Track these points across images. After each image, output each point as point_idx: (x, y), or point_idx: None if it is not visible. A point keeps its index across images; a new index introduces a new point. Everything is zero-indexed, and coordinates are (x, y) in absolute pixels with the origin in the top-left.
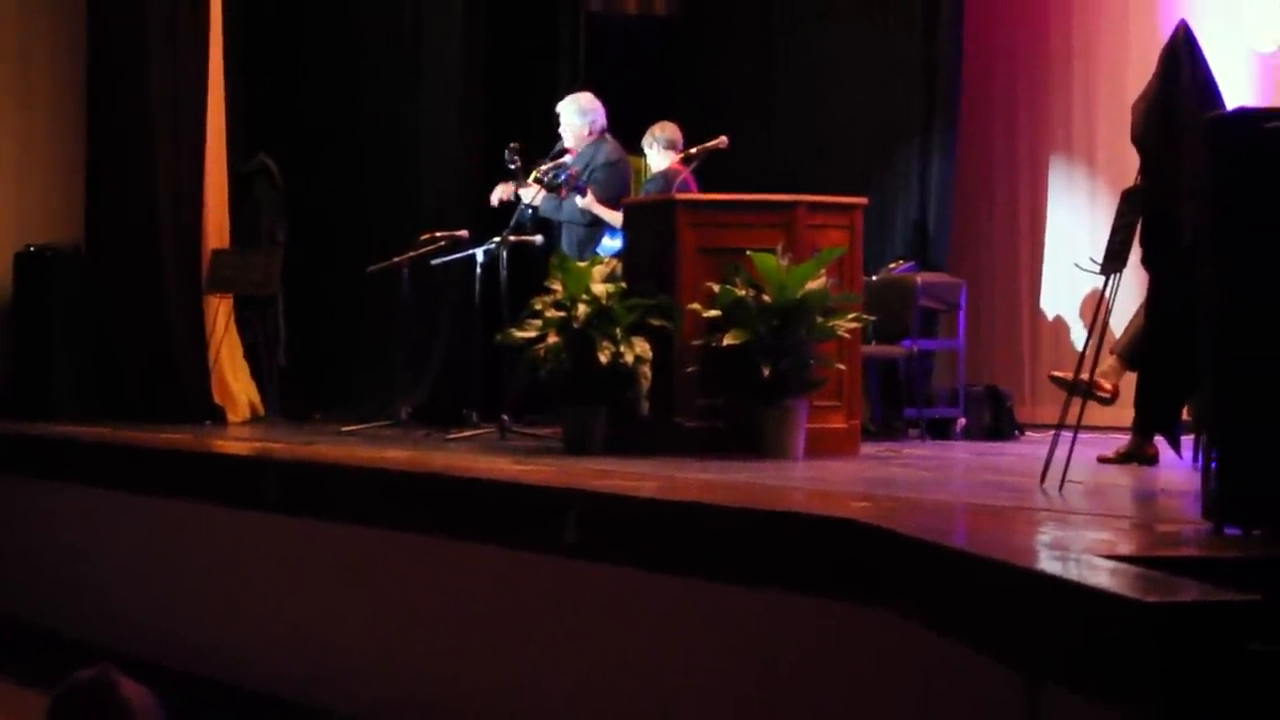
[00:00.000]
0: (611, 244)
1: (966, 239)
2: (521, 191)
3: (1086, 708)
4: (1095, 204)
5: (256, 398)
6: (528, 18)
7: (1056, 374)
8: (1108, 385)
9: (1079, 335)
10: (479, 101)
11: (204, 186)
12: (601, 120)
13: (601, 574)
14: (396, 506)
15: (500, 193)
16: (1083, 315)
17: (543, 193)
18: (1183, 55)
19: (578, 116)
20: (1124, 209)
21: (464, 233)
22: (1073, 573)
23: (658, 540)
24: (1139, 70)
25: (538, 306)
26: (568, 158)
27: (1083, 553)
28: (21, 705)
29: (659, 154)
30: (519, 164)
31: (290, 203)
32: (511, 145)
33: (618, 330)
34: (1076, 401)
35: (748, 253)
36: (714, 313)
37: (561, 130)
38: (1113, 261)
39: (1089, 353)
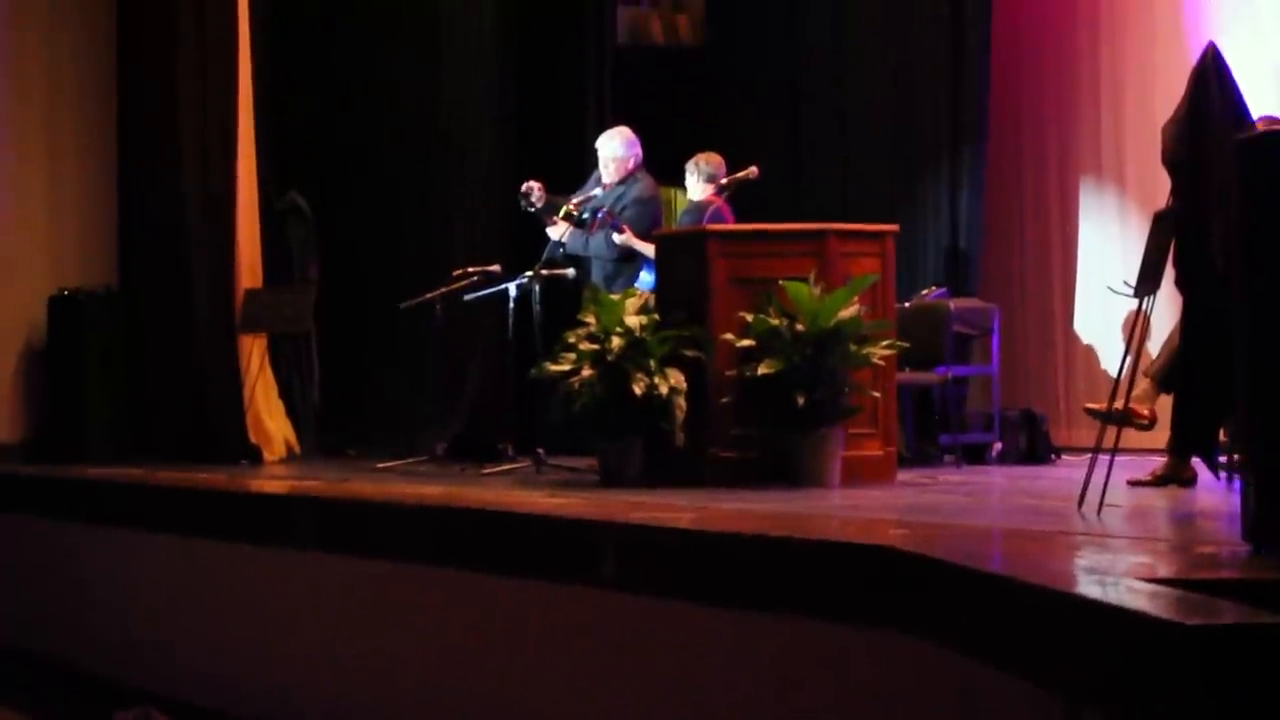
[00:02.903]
0: (650, 278)
1: (998, 263)
2: (550, 230)
3: None
4: (1126, 226)
5: (292, 435)
6: (556, 53)
7: (1091, 406)
8: (1144, 411)
9: (1113, 358)
10: (510, 137)
11: (236, 226)
12: (639, 155)
13: (640, 606)
14: (433, 542)
15: (555, 233)
16: (1118, 338)
17: (570, 228)
18: (1212, 76)
19: (623, 149)
20: (1156, 231)
21: (496, 267)
22: (1112, 596)
23: (696, 571)
24: (1167, 91)
25: (571, 339)
26: (597, 191)
27: (1122, 576)
28: None
29: (698, 185)
30: (537, 207)
31: (322, 239)
32: (525, 187)
33: (652, 362)
34: (1114, 426)
35: (780, 282)
36: (747, 342)
37: (602, 165)
38: (1146, 284)
39: (1124, 379)
